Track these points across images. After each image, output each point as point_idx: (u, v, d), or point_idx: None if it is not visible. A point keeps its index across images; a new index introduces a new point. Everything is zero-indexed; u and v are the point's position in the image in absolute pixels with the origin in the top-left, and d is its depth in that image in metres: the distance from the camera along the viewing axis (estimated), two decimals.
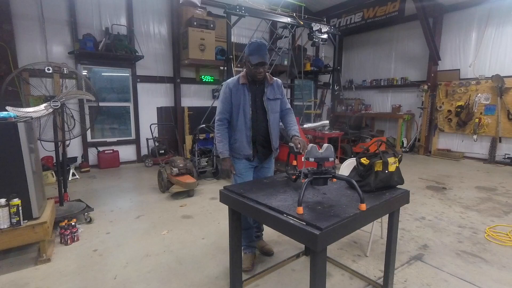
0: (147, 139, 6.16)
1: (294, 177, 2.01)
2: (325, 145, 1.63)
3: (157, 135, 6.24)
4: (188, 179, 4.24)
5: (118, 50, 5.59)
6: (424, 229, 3.25)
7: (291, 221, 1.39)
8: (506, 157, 6.53)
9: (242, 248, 2.33)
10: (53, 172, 4.92)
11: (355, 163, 1.93)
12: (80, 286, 2.22)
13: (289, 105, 2.56)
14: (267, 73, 2.39)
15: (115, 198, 4.25)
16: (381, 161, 1.80)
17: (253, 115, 2.34)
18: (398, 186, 1.90)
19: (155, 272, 2.41)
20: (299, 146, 2.03)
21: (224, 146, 2.34)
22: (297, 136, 2.25)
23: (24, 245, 2.50)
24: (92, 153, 6.01)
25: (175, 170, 4.31)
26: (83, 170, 5.67)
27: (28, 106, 3.31)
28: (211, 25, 6.18)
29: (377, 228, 3.02)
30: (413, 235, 3.10)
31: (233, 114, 2.36)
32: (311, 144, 1.65)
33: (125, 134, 6.52)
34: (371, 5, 7.83)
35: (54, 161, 4.19)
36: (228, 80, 2.39)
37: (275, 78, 2.47)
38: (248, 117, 2.32)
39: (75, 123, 3.62)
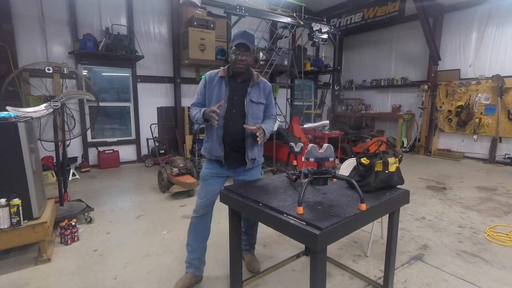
0: (147, 139, 6.16)
1: (294, 177, 2.01)
2: (325, 145, 1.63)
3: (157, 135, 6.24)
4: (188, 179, 4.24)
5: (118, 50, 5.59)
6: (424, 229, 3.25)
7: (291, 221, 1.39)
8: (506, 157, 6.53)
9: (186, 266, 2.22)
10: (53, 172, 4.92)
11: (355, 163, 1.93)
12: (80, 286, 2.22)
13: (275, 113, 2.26)
14: (253, 70, 2.13)
15: (115, 198, 4.25)
16: (381, 161, 1.80)
17: (226, 113, 2.04)
18: (398, 186, 1.90)
19: (155, 272, 2.41)
20: (256, 132, 1.93)
21: (202, 108, 2.04)
22: (261, 127, 2.00)
23: (24, 245, 2.50)
24: (92, 153, 6.01)
25: (175, 170, 4.32)
26: (83, 170, 5.67)
27: (28, 106, 3.31)
28: (211, 25, 6.18)
29: (377, 228, 3.01)
30: (413, 235, 3.10)
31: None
32: (311, 144, 1.65)
33: (125, 134, 6.52)
34: (371, 5, 7.83)
35: (54, 161, 4.18)
36: (207, 73, 2.17)
37: (263, 79, 2.18)
38: (220, 114, 2.01)
39: (75, 123, 3.62)
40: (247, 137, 2.07)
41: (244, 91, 2.07)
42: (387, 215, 1.90)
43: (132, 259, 2.59)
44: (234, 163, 2.14)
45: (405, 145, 8.17)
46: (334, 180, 1.77)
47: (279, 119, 5.80)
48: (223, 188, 1.95)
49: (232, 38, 2.02)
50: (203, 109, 2.00)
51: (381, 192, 1.80)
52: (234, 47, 1.97)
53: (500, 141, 6.62)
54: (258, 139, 1.95)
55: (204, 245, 2.24)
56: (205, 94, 2.10)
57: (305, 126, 6.46)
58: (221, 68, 2.13)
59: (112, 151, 6.07)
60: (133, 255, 2.66)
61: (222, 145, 2.07)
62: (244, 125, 1.98)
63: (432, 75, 7.54)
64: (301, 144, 1.99)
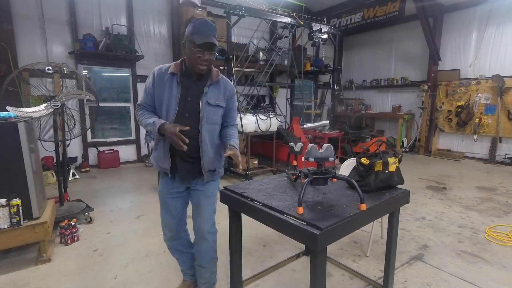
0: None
1: (294, 177, 2.01)
2: (325, 145, 1.63)
3: None
4: None
5: (118, 50, 5.59)
6: (424, 229, 3.25)
7: (291, 221, 1.39)
8: (506, 157, 6.53)
9: (182, 274, 2.15)
10: (53, 172, 4.92)
11: (355, 163, 1.93)
12: (80, 286, 2.22)
13: (236, 120, 1.96)
14: (213, 67, 1.81)
15: (115, 198, 4.25)
16: (381, 161, 1.80)
17: (177, 117, 1.72)
18: (398, 186, 1.90)
19: (155, 272, 2.41)
20: (234, 159, 1.71)
21: (154, 118, 1.72)
22: (235, 147, 1.78)
23: (24, 245, 2.50)
24: (92, 153, 6.01)
25: None
26: (83, 170, 5.67)
27: (28, 106, 3.31)
28: None
29: (377, 228, 3.01)
30: (413, 235, 3.10)
31: (156, 111, 1.81)
32: (311, 144, 1.65)
33: (125, 134, 6.52)
34: (371, 5, 7.83)
35: (54, 161, 4.18)
36: (156, 67, 1.81)
37: (224, 77, 1.86)
38: (170, 118, 1.72)
39: (75, 123, 3.63)
40: (202, 145, 1.76)
41: (199, 91, 1.75)
42: (387, 215, 1.90)
43: (132, 259, 2.59)
44: (188, 175, 1.83)
45: (405, 145, 8.17)
46: (334, 180, 1.77)
47: (279, 119, 5.81)
48: (223, 188, 1.93)
49: (191, 28, 1.66)
50: (158, 121, 1.68)
51: (381, 192, 1.80)
52: (197, 46, 1.62)
53: (500, 141, 6.62)
54: (239, 167, 1.72)
55: (192, 253, 2.09)
56: (153, 94, 1.78)
57: (305, 126, 6.46)
58: (174, 62, 1.80)
59: (112, 151, 6.07)
60: (133, 255, 2.66)
61: (168, 155, 1.77)
62: (225, 154, 1.71)
63: (432, 75, 7.54)
64: (301, 144, 1.99)
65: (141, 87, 6.39)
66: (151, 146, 1.86)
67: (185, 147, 1.62)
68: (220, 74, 1.83)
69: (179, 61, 1.78)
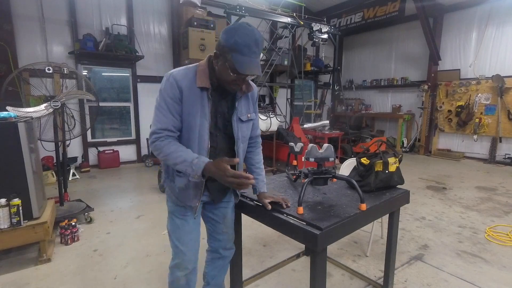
0: (147, 139, 6.15)
1: (294, 177, 2.01)
2: (325, 145, 1.63)
3: None
4: None
5: (118, 50, 5.59)
6: (424, 229, 3.25)
7: (291, 221, 1.39)
8: (506, 157, 6.53)
9: None
10: (53, 172, 4.92)
11: (355, 163, 1.93)
12: (80, 286, 2.22)
13: (259, 130, 1.68)
14: None
15: (115, 198, 4.25)
16: (382, 161, 1.80)
17: (212, 141, 1.42)
18: (398, 186, 1.90)
19: (155, 272, 2.41)
20: (268, 204, 1.52)
21: (190, 154, 1.31)
22: (266, 192, 1.60)
23: (24, 245, 2.50)
24: (92, 153, 6.01)
25: None
26: (83, 170, 5.67)
27: (28, 106, 3.31)
28: (211, 25, 6.16)
29: (377, 228, 3.02)
30: (413, 235, 3.10)
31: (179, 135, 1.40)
32: (311, 144, 1.65)
33: (125, 134, 6.52)
34: (371, 5, 7.84)
35: (54, 161, 4.18)
36: (175, 72, 1.35)
37: (252, 83, 1.54)
38: (204, 145, 1.39)
39: (75, 123, 3.63)
40: (239, 168, 1.53)
41: (227, 105, 1.46)
42: (387, 215, 1.90)
43: (132, 259, 2.59)
44: (218, 194, 1.59)
45: (405, 145, 8.18)
46: (334, 180, 1.77)
47: (279, 119, 5.81)
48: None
49: (233, 40, 1.27)
50: (201, 161, 1.28)
51: (381, 192, 1.80)
52: (237, 72, 1.25)
53: (500, 141, 6.62)
54: (289, 203, 1.53)
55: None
56: (180, 113, 1.35)
57: (305, 126, 6.46)
58: (199, 70, 1.38)
59: (112, 151, 6.07)
60: (133, 255, 2.66)
61: (201, 190, 1.44)
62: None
63: (432, 75, 7.54)
64: (301, 144, 1.99)
65: (141, 87, 6.39)
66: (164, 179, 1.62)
67: (253, 182, 1.30)
68: (250, 83, 1.50)
69: (206, 69, 1.39)
